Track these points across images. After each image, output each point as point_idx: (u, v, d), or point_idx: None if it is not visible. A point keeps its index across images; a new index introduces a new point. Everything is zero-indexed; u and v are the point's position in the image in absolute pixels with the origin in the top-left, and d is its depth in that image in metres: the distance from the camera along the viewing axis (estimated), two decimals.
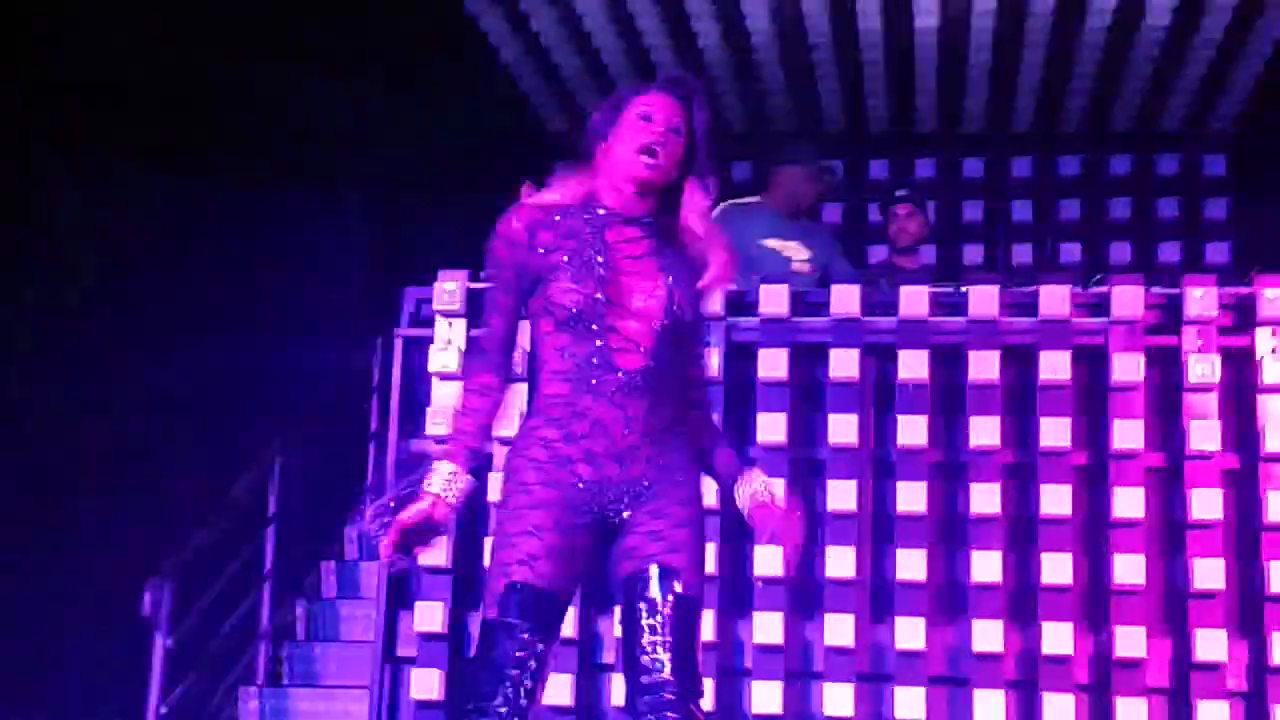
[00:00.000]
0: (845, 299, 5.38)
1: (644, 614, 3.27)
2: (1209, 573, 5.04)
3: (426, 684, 5.24)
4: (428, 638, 5.28)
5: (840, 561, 5.17)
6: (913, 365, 5.27)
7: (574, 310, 3.31)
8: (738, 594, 5.25)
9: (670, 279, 3.39)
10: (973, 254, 8.00)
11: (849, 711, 5.10)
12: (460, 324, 5.44)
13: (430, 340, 5.50)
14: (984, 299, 5.32)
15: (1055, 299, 5.27)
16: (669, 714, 3.21)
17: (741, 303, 5.48)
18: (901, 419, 5.25)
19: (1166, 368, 5.28)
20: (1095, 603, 5.16)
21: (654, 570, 3.29)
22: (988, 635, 5.08)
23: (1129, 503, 5.11)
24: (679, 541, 3.33)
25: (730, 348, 5.39)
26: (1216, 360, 5.18)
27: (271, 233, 7.01)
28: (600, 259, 3.35)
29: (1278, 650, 4.99)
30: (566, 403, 3.32)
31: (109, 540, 5.96)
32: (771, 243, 6.40)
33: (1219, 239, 7.86)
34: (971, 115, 7.92)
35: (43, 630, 5.77)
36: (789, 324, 5.40)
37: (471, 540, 5.29)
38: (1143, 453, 5.17)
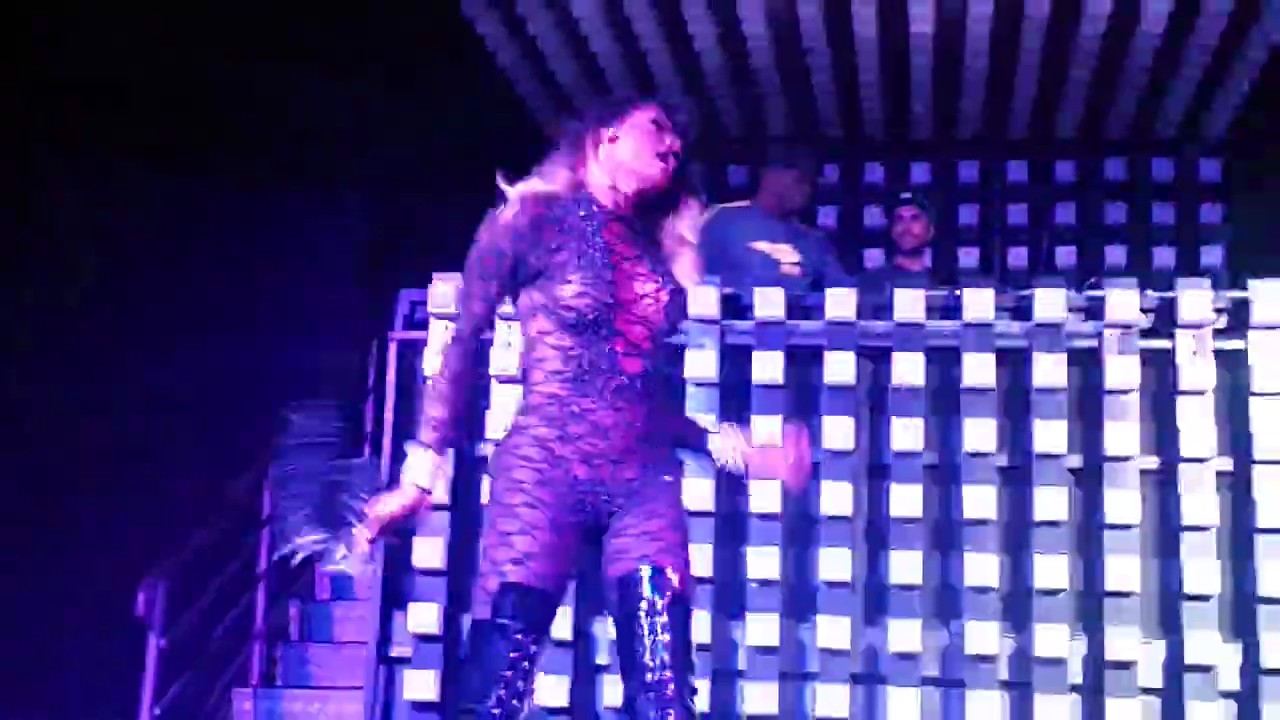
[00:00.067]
0: (840, 302, 5.39)
1: (642, 614, 3.28)
2: (1202, 575, 5.07)
3: (421, 685, 5.22)
4: (422, 639, 5.28)
5: (835, 564, 5.19)
6: (907, 369, 5.29)
7: (588, 316, 3.31)
8: (732, 596, 5.27)
9: (664, 282, 3.43)
10: (968, 258, 8.01)
11: (843, 713, 5.11)
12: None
13: (424, 343, 5.48)
14: (979, 302, 5.33)
15: (1050, 303, 5.29)
16: (673, 710, 3.22)
17: (737, 306, 5.50)
18: (896, 422, 5.26)
19: (1160, 371, 5.30)
20: (1089, 606, 5.18)
21: (649, 570, 3.31)
22: (982, 637, 5.11)
23: (1122, 506, 5.13)
24: (672, 542, 3.36)
25: (725, 350, 5.40)
26: (1211, 364, 5.21)
27: (271, 233, 7.02)
28: (605, 260, 3.36)
29: (1270, 652, 5.02)
30: (564, 403, 3.33)
31: (108, 540, 5.97)
32: (761, 245, 6.38)
33: (1213, 243, 7.87)
34: (967, 120, 7.93)
35: (42, 630, 5.79)
36: (784, 327, 5.41)
37: (466, 542, 5.29)
38: (1137, 456, 5.19)
